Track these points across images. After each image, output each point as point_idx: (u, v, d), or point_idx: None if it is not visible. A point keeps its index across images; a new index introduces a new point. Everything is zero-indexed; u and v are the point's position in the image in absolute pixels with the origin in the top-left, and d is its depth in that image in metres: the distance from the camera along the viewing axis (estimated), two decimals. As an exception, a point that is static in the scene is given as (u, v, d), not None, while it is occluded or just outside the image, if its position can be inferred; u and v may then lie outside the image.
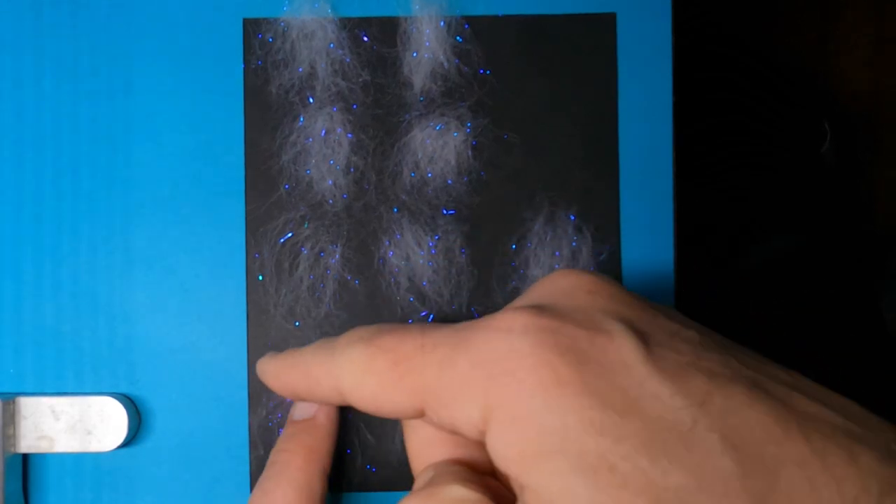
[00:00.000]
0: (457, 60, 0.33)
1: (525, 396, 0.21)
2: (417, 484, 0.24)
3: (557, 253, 0.33)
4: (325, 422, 0.29)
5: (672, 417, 0.20)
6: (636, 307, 0.23)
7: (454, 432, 0.23)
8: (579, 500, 0.20)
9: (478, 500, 0.22)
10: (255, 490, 0.28)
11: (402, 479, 0.33)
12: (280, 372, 0.28)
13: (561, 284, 0.24)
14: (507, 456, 0.21)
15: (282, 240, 0.33)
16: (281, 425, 0.33)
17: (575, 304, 0.23)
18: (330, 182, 0.33)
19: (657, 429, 0.20)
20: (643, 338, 0.22)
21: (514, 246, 0.33)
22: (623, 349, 0.21)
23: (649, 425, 0.20)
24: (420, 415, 0.23)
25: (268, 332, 0.33)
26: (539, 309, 0.22)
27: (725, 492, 0.19)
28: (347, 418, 0.33)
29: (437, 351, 0.23)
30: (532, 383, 0.21)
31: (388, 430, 0.33)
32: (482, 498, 0.22)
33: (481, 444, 0.23)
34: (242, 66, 0.33)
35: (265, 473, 0.29)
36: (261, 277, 0.33)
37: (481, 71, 0.34)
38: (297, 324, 0.33)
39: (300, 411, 0.30)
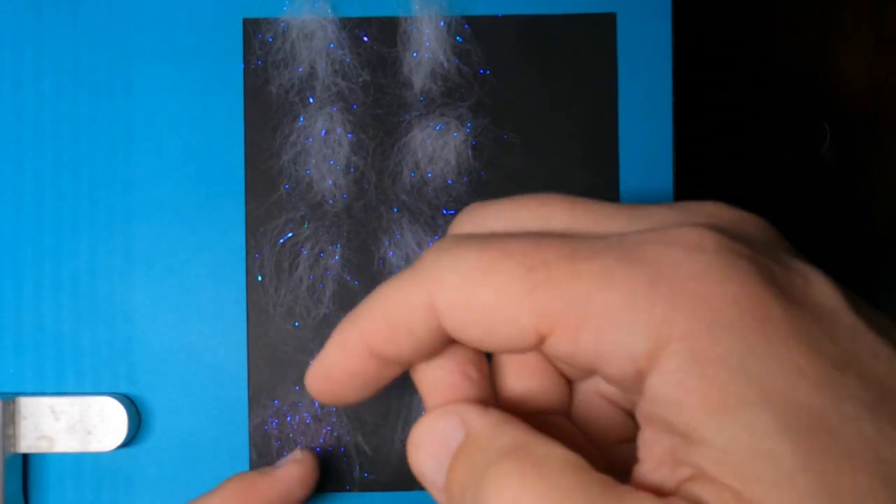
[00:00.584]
0: (457, 60, 0.33)
1: (720, 330, 0.16)
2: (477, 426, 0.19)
3: (557, 253, 0.33)
4: (284, 475, 0.30)
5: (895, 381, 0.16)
6: (800, 254, 0.19)
7: (585, 367, 0.18)
8: (784, 464, 0.15)
9: (584, 466, 0.17)
10: None
11: (402, 480, 0.33)
12: (332, 346, 0.21)
13: (724, 215, 0.19)
14: (680, 401, 0.16)
15: (282, 240, 0.33)
16: (280, 431, 0.33)
17: (756, 238, 0.18)
18: (330, 182, 0.33)
19: (882, 391, 0.16)
20: (839, 287, 0.18)
21: (514, 246, 0.33)
22: (826, 294, 0.17)
23: (873, 386, 0.16)
24: (536, 344, 0.18)
25: (267, 332, 0.33)
26: (720, 230, 0.18)
27: None
28: (346, 419, 0.33)
29: (595, 261, 0.17)
30: (731, 315, 0.16)
31: (386, 434, 0.33)
32: (586, 464, 0.17)
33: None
34: (242, 66, 0.33)
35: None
36: (260, 278, 0.33)
37: (481, 71, 0.34)
38: (296, 324, 0.33)
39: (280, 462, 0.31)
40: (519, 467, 0.17)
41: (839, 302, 0.17)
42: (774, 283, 0.17)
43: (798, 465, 0.15)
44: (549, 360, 0.22)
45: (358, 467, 0.33)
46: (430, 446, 0.20)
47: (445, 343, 0.20)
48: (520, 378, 0.22)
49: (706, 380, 0.16)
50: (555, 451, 0.17)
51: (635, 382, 0.17)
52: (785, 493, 0.15)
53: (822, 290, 0.17)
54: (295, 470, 0.30)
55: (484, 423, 0.19)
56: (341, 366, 0.21)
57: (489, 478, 0.17)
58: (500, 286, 0.18)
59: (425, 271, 0.19)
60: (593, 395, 0.22)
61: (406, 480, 0.33)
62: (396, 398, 0.33)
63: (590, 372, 0.19)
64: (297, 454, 0.31)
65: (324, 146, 0.33)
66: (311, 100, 0.33)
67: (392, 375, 0.21)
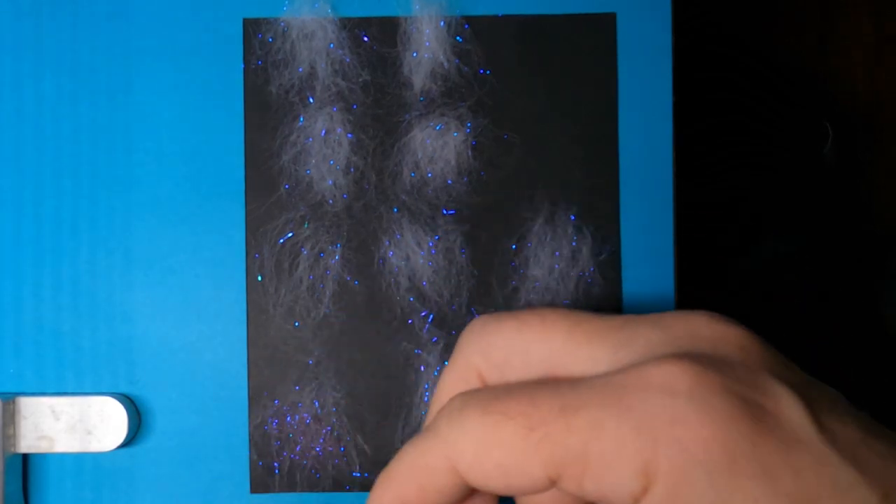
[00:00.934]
0: (457, 60, 0.33)
1: (693, 470, 0.19)
2: None
3: (557, 253, 0.33)
4: None
5: None
6: (789, 366, 0.21)
7: (596, 500, 0.21)
8: None
9: None
10: None
11: (402, 479, 0.33)
12: (376, 496, 0.23)
13: (704, 333, 0.21)
14: None
15: (282, 240, 0.33)
16: (280, 431, 0.33)
17: (730, 360, 0.20)
18: (330, 182, 0.33)
19: None
20: (809, 405, 0.19)
21: (514, 246, 0.33)
22: (794, 419, 0.19)
23: None
24: (551, 486, 0.21)
25: (267, 333, 0.33)
26: (699, 361, 0.20)
27: None
28: (346, 419, 0.33)
29: (584, 414, 0.20)
30: (704, 457, 0.19)
31: (386, 434, 0.33)
32: None
33: None
34: (242, 66, 0.33)
35: None
36: (260, 278, 0.33)
37: (481, 71, 0.34)
38: (296, 324, 0.33)
39: None
40: None
41: (806, 427, 0.19)
42: (743, 419, 0.19)
43: None
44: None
45: (358, 467, 0.33)
46: None
47: (470, 492, 0.23)
48: None
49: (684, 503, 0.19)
50: None
51: None
52: None
53: (790, 415, 0.19)
54: None
55: None
56: (387, 499, 0.23)
57: None
58: (507, 448, 0.20)
59: (441, 438, 0.22)
60: None
61: (406, 480, 0.33)
62: (396, 398, 0.33)
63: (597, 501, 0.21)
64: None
65: (324, 146, 0.33)
66: (311, 100, 0.33)
67: None
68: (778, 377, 0.20)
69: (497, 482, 0.21)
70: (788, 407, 0.19)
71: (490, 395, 0.22)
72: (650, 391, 0.19)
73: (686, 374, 0.19)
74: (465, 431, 0.21)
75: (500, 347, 0.23)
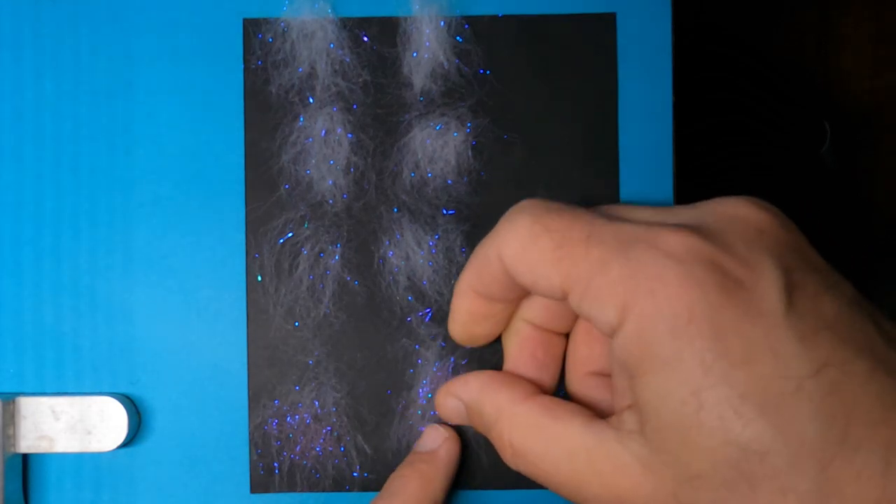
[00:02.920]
0: (457, 60, 0.33)
1: (658, 320, 0.22)
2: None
3: (557, 253, 0.33)
4: (444, 455, 0.31)
5: (779, 378, 0.21)
6: (799, 255, 0.24)
7: (586, 318, 0.25)
8: (665, 421, 0.22)
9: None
10: None
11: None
12: (455, 293, 0.29)
13: (734, 212, 0.25)
14: (624, 360, 0.23)
15: (281, 240, 0.33)
16: (280, 431, 0.33)
17: (740, 237, 0.23)
18: (330, 182, 0.33)
19: (758, 385, 0.21)
20: (791, 288, 0.22)
21: (514, 246, 0.33)
22: (766, 296, 0.22)
23: (752, 380, 0.21)
24: (563, 297, 0.25)
25: (267, 333, 0.33)
26: (703, 235, 0.23)
27: (795, 455, 0.21)
28: (346, 419, 0.33)
29: (598, 249, 0.24)
30: (667, 312, 0.22)
31: (386, 434, 0.33)
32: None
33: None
34: (242, 66, 0.33)
35: (378, 496, 0.30)
36: (260, 278, 0.33)
37: (481, 71, 0.34)
38: (296, 324, 0.33)
39: (423, 443, 0.31)
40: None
41: (774, 304, 0.22)
42: (716, 289, 0.22)
43: (676, 423, 0.22)
44: None
45: (358, 467, 0.33)
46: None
47: (519, 285, 0.27)
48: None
49: (640, 351, 0.23)
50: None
51: (608, 336, 0.24)
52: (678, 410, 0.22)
53: (764, 292, 0.22)
54: (454, 447, 0.32)
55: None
56: (462, 307, 0.29)
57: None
58: (540, 255, 0.25)
59: (497, 233, 0.27)
60: None
61: (406, 480, 0.33)
62: (396, 398, 0.33)
63: (586, 319, 0.26)
64: (442, 431, 0.32)
65: (324, 146, 0.33)
66: (311, 100, 0.33)
67: (503, 311, 0.29)
68: (774, 258, 0.23)
69: (526, 278, 0.25)
70: (767, 284, 0.22)
71: (544, 208, 0.26)
72: (654, 250, 0.23)
73: (683, 243, 0.23)
74: (514, 231, 0.26)
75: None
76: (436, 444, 0.31)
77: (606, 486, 0.24)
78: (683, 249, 0.23)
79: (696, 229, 0.23)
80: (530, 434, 0.27)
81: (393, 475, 0.30)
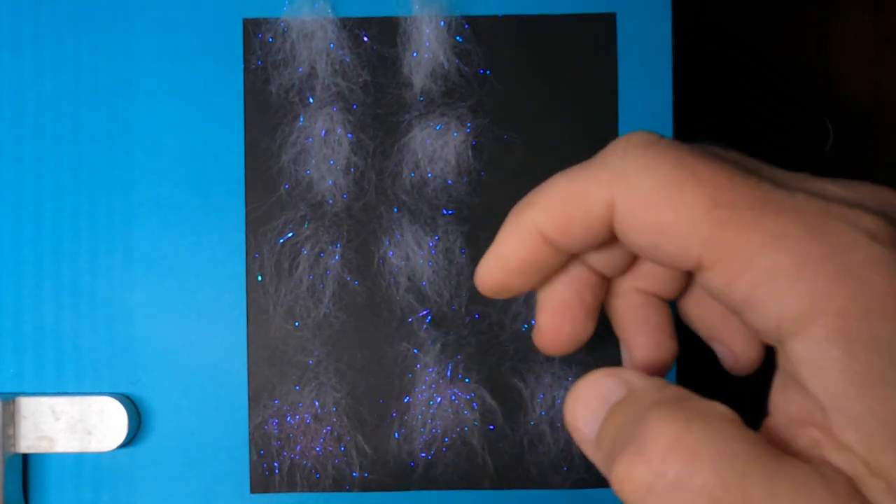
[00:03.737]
0: (457, 60, 0.33)
1: (876, 316, 0.17)
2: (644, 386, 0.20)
3: (557, 253, 0.33)
4: None
5: None
6: None
7: (727, 305, 0.19)
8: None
9: (742, 424, 0.18)
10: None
11: (402, 480, 0.33)
12: (508, 231, 0.22)
13: (889, 197, 0.20)
14: (822, 368, 0.17)
15: (282, 240, 0.33)
16: (280, 431, 0.33)
17: None
18: (330, 182, 0.33)
19: None
20: None
21: (514, 246, 0.33)
22: None
23: None
24: (695, 268, 0.19)
25: (267, 333, 0.33)
26: (888, 218, 0.18)
27: None
28: (346, 419, 0.33)
29: (774, 220, 0.18)
30: (886, 307, 0.17)
31: (386, 434, 0.33)
32: (742, 422, 0.18)
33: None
34: (242, 66, 0.33)
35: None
36: (260, 278, 0.33)
37: (481, 71, 0.34)
38: (296, 324, 0.33)
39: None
40: (682, 412, 0.18)
41: None
42: None
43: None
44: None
45: (358, 467, 0.33)
46: (589, 400, 0.20)
47: (607, 239, 0.21)
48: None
49: (852, 354, 0.17)
50: (716, 407, 0.18)
51: (769, 336, 0.18)
52: None
53: None
54: None
55: (646, 382, 0.20)
56: (516, 253, 0.22)
57: (649, 420, 0.18)
58: (682, 210, 0.18)
59: (611, 167, 0.20)
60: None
61: (406, 480, 0.33)
62: (396, 398, 0.33)
63: (729, 309, 0.20)
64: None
65: (324, 146, 0.33)
66: (311, 100, 0.33)
67: (557, 265, 0.22)
68: None
69: (644, 239, 0.19)
70: None
71: (683, 149, 0.19)
72: (853, 229, 0.18)
73: (888, 229, 0.18)
74: (646, 172, 0.19)
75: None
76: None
77: None
78: (889, 237, 0.18)
79: (886, 215, 0.18)
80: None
81: None
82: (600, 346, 0.33)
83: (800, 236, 0.18)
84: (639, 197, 0.19)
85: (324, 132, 0.33)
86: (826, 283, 0.17)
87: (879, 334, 0.17)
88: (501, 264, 0.22)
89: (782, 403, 0.19)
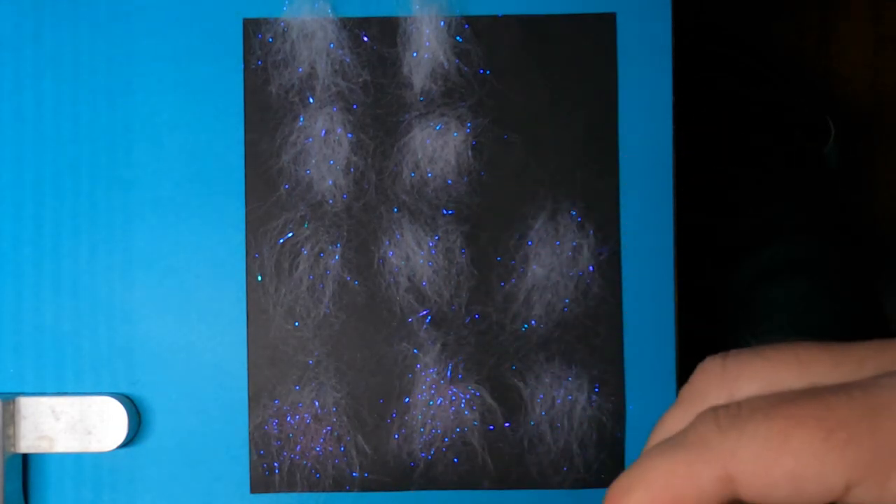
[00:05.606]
0: (457, 60, 0.33)
1: None
2: None
3: (558, 252, 0.33)
4: None
5: None
6: None
7: None
8: None
9: None
10: None
11: (402, 480, 0.33)
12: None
13: None
14: None
15: (281, 240, 0.33)
16: (280, 431, 0.33)
17: None
18: (330, 182, 0.33)
19: None
20: None
21: (514, 245, 0.33)
22: None
23: None
24: (842, 494, 0.20)
25: (267, 333, 0.33)
26: None
27: None
28: (346, 419, 0.33)
29: (891, 413, 0.19)
30: None
31: (386, 434, 0.33)
32: None
33: None
34: (242, 66, 0.33)
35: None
36: (260, 278, 0.33)
37: (481, 71, 0.34)
38: (296, 324, 0.33)
39: None
40: None
41: None
42: None
43: None
44: None
45: (358, 467, 0.33)
46: None
47: None
48: None
49: None
50: None
51: None
52: None
53: None
54: None
55: None
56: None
57: None
58: (801, 451, 0.19)
59: (713, 447, 0.20)
60: None
61: (406, 480, 0.33)
62: (396, 398, 0.33)
63: None
64: None
65: (324, 146, 0.33)
66: (311, 100, 0.33)
67: None
68: None
69: (783, 492, 0.20)
70: None
71: (765, 401, 0.20)
72: None
73: None
74: (748, 439, 0.20)
75: (750, 386, 0.22)
76: None
77: None
78: None
79: None
80: None
81: None
82: (600, 348, 0.33)
83: None
84: (755, 460, 0.20)
85: (324, 132, 0.33)
86: None
87: None
88: None
89: None
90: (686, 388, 0.23)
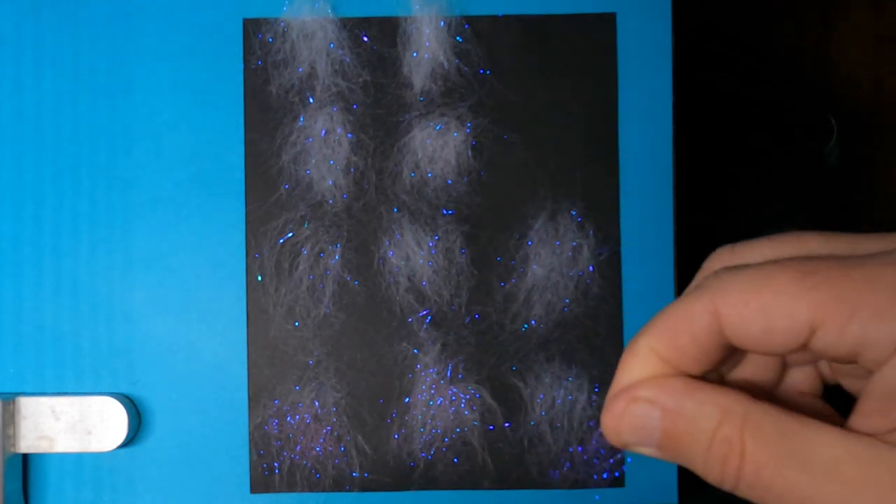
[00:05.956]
0: (457, 60, 0.33)
1: None
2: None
3: (558, 252, 0.33)
4: None
5: None
6: None
7: (844, 355, 0.22)
8: None
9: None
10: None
11: (402, 480, 0.33)
12: (626, 358, 0.24)
13: None
14: None
15: (281, 240, 0.33)
16: (280, 431, 0.33)
17: None
18: (330, 182, 0.33)
19: None
20: None
21: (514, 245, 0.33)
22: None
23: None
24: (806, 339, 0.22)
25: (267, 333, 0.33)
26: None
27: None
28: (346, 419, 0.33)
29: (863, 268, 0.21)
30: None
31: (386, 434, 0.33)
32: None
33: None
34: (242, 66, 0.33)
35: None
36: (260, 278, 0.33)
37: (481, 71, 0.34)
38: (296, 324, 0.33)
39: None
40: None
41: None
42: None
43: None
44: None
45: (358, 467, 0.33)
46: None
47: (719, 352, 0.23)
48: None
49: None
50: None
51: (880, 366, 0.21)
52: None
53: None
54: None
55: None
56: (636, 374, 0.24)
57: None
58: (778, 288, 0.21)
59: (707, 287, 0.23)
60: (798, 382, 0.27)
61: (406, 480, 0.33)
62: (396, 398, 0.33)
63: (846, 359, 0.23)
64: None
65: (324, 146, 0.33)
66: (311, 100, 0.33)
67: None
68: None
69: (756, 326, 0.22)
70: None
71: (760, 263, 0.23)
72: None
73: None
74: (736, 279, 0.22)
75: (754, 258, 0.24)
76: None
77: (885, 500, 0.21)
78: None
79: None
80: (774, 439, 0.22)
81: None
82: (600, 348, 0.33)
83: (888, 274, 0.21)
84: (739, 294, 0.22)
85: (324, 132, 0.33)
86: None
87: None
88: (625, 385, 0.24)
89: (869, 406, 0.22)
90: (699, 272, 0.25)
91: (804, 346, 0.22)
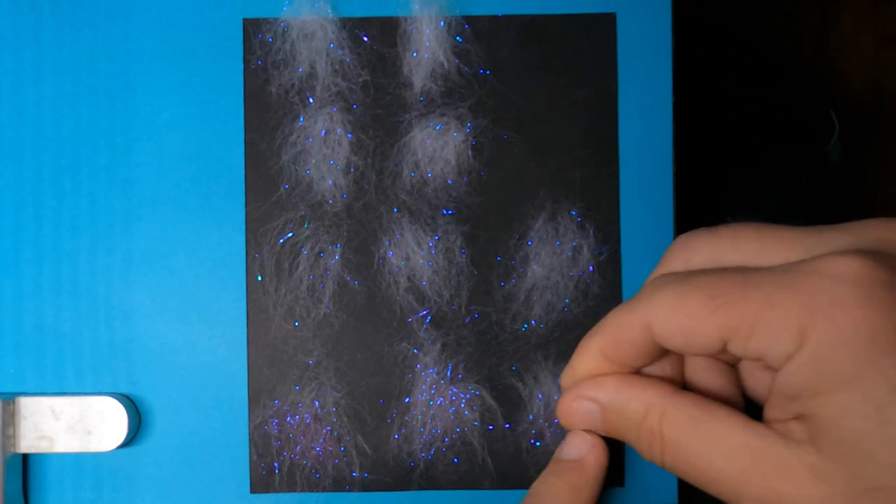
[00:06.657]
0: (457, 60, 0.33)
1: (837, 344, 0.23)
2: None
3: (558, 252, 0.33)
4: (594, 464, 0.29)
5: None
6: None
7: (751, 359, 0.25)
8: (845, 435, 0.23)
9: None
10: None
11: (402, 480, 0.33)
12: (579, 353, 0.28)
13: (891, 237, 0.25)
14: (796, 383, 0.24)
15: (281, 240, 0.33)
16: (280, 431, 0.33)
17: None
18: (330, 182, 0.33)
19: None
20: None
21: (514, 245, 0.33)
22: None
23: None
24: (720, 349, 0.25)
25: (267, 333, 0.33)
26: (872, 257, 0.23)
27: None
28: (346, 419, 0.33)
29: (761, 289, 0.24)
30: (848, 333, 0.22)
31: (386, 434, 0.33)
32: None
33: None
34: (242, 66, 0.33)
35: (525, 502, 0.29)
36: (260, 278, 0.33)
37: (481, 71, 0.34)
38: (296, 324, 0.33)
39: (568, 450, 0.30)
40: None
41: None
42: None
43: (874, 434, 0.22)
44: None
45: (358, 467, 0.33)
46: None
47: (656, 351, 0.27)
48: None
49: (818, 372, 0.23)
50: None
51: (777, 368, 0.24)
52: (848, 423, 0.23)
53: None
54: (603, 455, 0.30)
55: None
56: (585, 368, 0.28)
57: None
58: (692, 311, 0.25)
59: (642, 302, 0.26)
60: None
61: (406, 480, 0.33)
62: (396, 398, 0.33)
63: (757, 361, 0.26)
64: (588, 438, 0.30)
65: (324, 146, 0.33)
66: (311, 100, 0.33)
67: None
68: None
69: (678, 339, 0.26)
70: None
71: (688, 273, 0.26)
72: (823, 277, 0.23)
73: (856, 266, 0.23)
74: (662, 296, 0.26)
75: (699, 257, 0.27)
76: (582, 452, 0.29)
77: (770, 488, 0.24)
78: (856, 272, 0.23)
79: (859, 255, 0.24)
80: (686, 429, 0.26)
81: (538, 482, 0.29)
82: (600, 346, 0.33)
83: (780, 296, 0.24)
84: (664, 316, 0.26)
85: (324, 132, 0.33)
86: (804, 324, 0.23)
87: (841, 357, 0.23)
88: (577, 376, 0.29)
89: (774, 401, 0.25)
90: (662, 259, 0.29)
91: (723, 351, 0.25)
